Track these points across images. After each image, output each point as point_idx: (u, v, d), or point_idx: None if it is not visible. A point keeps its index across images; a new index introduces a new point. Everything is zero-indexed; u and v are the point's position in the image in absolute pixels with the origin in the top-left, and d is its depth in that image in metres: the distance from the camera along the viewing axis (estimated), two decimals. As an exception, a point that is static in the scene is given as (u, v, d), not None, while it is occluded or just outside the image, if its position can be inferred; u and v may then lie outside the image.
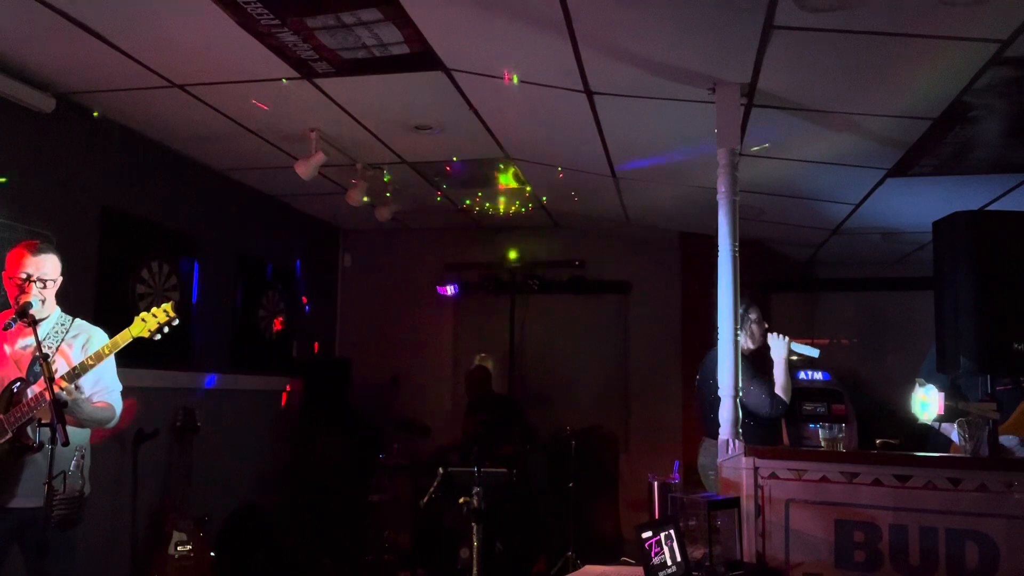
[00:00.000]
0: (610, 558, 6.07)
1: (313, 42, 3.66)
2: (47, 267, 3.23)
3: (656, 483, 3.13)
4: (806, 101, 3.90)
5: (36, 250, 3.23)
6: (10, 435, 3.05)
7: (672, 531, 2.66)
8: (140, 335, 3.12)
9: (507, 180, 5.96)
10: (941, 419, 3.52)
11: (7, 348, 3.25)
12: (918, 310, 5.88)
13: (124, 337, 3.12)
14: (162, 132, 5.13)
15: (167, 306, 3.16)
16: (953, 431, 3.48)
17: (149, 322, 3.13)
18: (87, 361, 3.09)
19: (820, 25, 3.09)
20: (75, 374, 3.05)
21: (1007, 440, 3.42)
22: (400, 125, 4.86)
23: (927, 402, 3.57)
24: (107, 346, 3.13)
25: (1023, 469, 3.01)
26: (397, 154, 5.41)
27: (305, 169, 4.95)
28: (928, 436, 3.90)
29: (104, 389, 3.29)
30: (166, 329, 3.14)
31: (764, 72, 3.52)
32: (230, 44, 3.67)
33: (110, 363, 3.30)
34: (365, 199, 5.68)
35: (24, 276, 3.18)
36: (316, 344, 7.44)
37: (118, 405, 3.34)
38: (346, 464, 6.66)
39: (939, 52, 3.27)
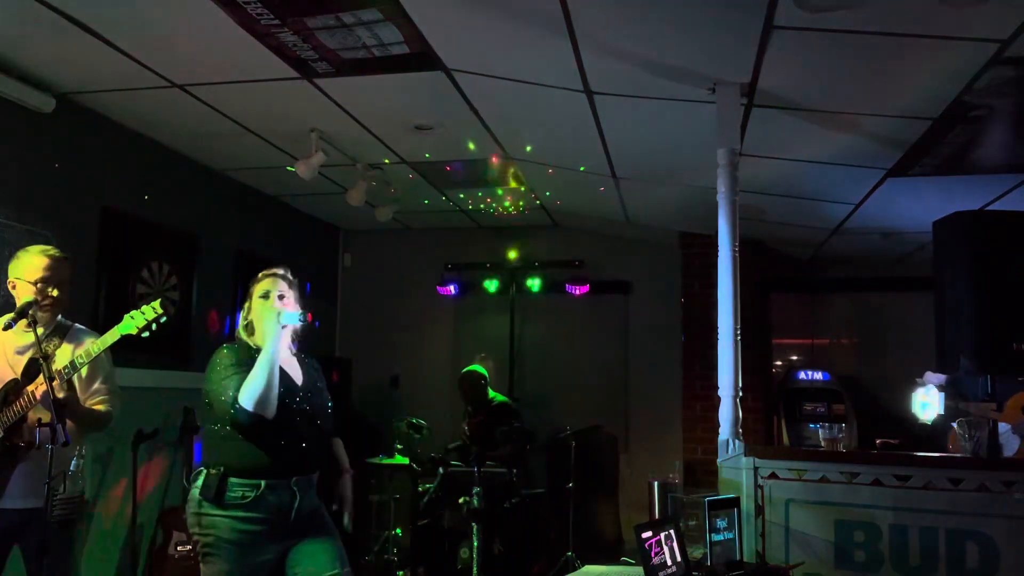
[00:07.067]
0: (610, 558, 6.08)
1: (313, 42, 3.66)
2: (59, 271, 3.24)
3: (656, 483, 3.13)
4: (806, 101, 3.90)
5: (48, 254, 3.24)
6: (1, 435, 3.05)
7: (672, 531, 2.66)
8: (128, 332, 3.10)
9: (507, 180, 5.96)
10: (941, 419, 3.52)
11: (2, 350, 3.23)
12: (918, 310, 5.90)
13: (112, 335, 3.10)
14: (162, 132, 5.13)
15: (155, 304, 3.13)
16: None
17: (136, 319, 3.10)
18: (77, 360, 3.08)
19: (820, 25, 3.09)
20: (66, 373, 3.04)
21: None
22: (400, 125, 4.86)
23: (927, 402, 3.58)
24: (96, 344, 3.11)
25: (1023, 469, 3.01)
26: (397, 154, 5.41)
27: (305, 169, 4.95)
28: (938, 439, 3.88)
29: (100, 390, 3.28)
30: (154, 326, 3.11)
31: (764, 72, 3.52)
32: (230, 44, 3.67)
33: (106, 364, 3.28)
34: (365, 199, 5.69)
35: (36, 279, 3.17)
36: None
37: (115, 407, 3.32)
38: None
39: (939, 52, 3.26)
